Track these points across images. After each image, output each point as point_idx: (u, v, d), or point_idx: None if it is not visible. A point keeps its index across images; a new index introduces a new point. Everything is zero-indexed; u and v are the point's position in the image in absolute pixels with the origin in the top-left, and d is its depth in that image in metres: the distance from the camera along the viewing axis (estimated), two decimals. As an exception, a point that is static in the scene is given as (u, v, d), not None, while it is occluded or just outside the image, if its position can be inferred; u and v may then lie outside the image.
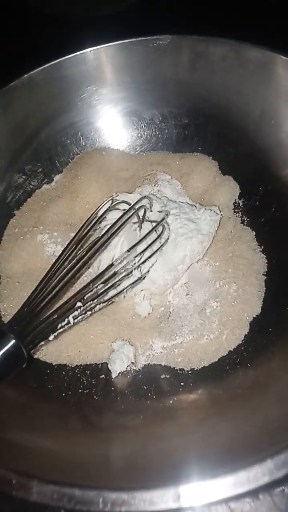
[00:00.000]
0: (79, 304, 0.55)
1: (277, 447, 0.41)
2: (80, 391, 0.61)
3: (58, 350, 0.65)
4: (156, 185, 0.80)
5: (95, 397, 0.61)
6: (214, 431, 0.50)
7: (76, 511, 0.37)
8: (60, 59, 0.75)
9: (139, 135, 0.85)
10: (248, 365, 0.60)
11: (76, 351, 0.65)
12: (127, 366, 0.63)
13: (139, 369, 0.64)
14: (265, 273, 0.69)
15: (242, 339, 0.64)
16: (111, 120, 0.85)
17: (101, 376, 0.63)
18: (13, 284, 0.71)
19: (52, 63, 0.75)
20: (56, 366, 0.64)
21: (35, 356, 0.64)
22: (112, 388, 0.62)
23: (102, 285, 0.59)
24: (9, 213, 0.78)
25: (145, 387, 0.62)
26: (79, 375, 0.64)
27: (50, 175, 0.82)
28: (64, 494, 0.37)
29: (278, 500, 0.47)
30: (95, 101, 0.82)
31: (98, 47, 0.75)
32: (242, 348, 0.63)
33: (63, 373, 0.64)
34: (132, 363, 0.64)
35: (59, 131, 0.82)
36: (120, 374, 0.63)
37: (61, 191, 0.81)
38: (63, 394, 0.61)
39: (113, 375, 0.62)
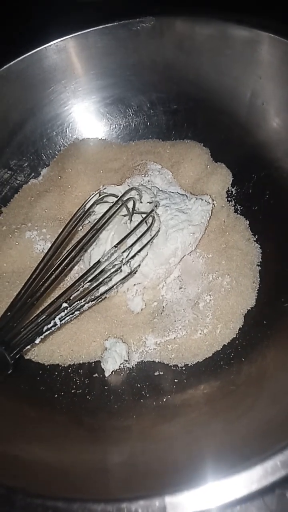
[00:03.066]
0: (65, 304, 0.54)
1: (271, 450, 0.39)
2: (73, 391, 0.60)
3: (50, 350, 0.64)
4: (146, 175, 0.78)
5: (88, 397, 0.60)
6: (206, 432, 0.49)
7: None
8: (40, 48, 0.72)
9: (127, 123, 0.82)
10: (243, 359, 0.59)
11: (68, 350, 0.64)
12: (120, 364, 0.62)
13: (132, 367, 0.63)
14: (259, 264, 0.67)
15: (237, 332, 0.62)
16: (98, 109, 0.82)
17: (94, 375, 0.62)
18: (2, 284, 0.69)
19: (31, 52, 0.72)
20: (48, 367, 0.63)
21: (27, 357, 0.63)
22: (106, 387, 0.61)
23: (89, 283, 0.57)
24: (-4, 211, 0.76)
25: (138, 385, 0.60)
26: (72, 375, 0.62)
27: (37, 169, 0.80)
28: (48, 507, 0.36)
29: (269, 500, 0.46)
30: (80, 89, 0.79)
31: (78, 33, 0.72)
32: (237, 342, 0.61)
33: (56, 373, 0.62)
34: (126, 360, 0.62)
35: (44, 122, 0.79)
36: (113, 373, 0.61)
37: (48, 185, 0.79)
38: (55, 396, 0.59)
39: (106, 374, 0.61)
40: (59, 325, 0.54)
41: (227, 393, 0.55)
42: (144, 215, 0.66)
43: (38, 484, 0.41)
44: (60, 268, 0.56)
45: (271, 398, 0.51)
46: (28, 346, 0.52)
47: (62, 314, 0.54)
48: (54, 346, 0.64)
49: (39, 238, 0.73)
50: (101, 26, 0.72)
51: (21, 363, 0.62)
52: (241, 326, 0.63)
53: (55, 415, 0.57)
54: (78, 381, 0.61)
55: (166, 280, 0.68)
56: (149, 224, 0.65)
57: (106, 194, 0.68)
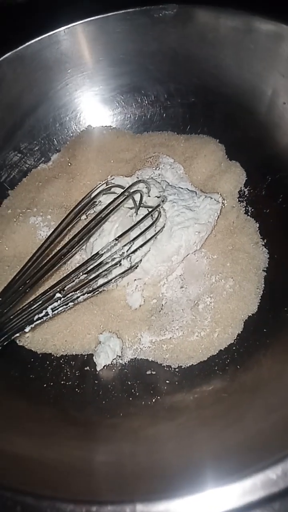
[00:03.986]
0: (58, 295, 0.52)
1: (254, 466, 0.37)
2: (62, 383, 0.59)
3: (44, 339, 0.63)
4: (158, 168, 0.75)
5: (77, 390, 0.59)
6: (193, 439, 0.47)
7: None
8: (58, 30, 0.70)
9: (143, 113, 0.80)
10: (238, 367, 0.57)
11: (62, 341, 0.63)
12: (113, 359, 0.60)
13: (125, 363, 0.61)
14: (265, 269, 0.64)
15: (235, 338, 0.60)
16: (114, 97, 0.80)
17: (86, 368, 0.61)
18: (2, 268, 0.68)
19: (48, 34, 0.70)
20: (40, 355, 0.62)
21: (20, 344, 0.62)
22: (96, 382, 0.60)
23: (85, 275, 0.55)
24: (3, 193, 0.75)
25: (129, 383, 0.59)
26: (63, 365, 0.61)
27: (47, 153, 0.79)
28: (16, 502, 0.35)
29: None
30: (96, 75, 0.77)
31: (97, 16, 0.70)
32: (234, 348, 0.59)
33: (47, 362, 0.62)
34: (119, 356, 0.61)
35: (57, 107, 0.78)
36: (105, 367, 0.60)
37: (57, 172, 0.77)
38: (44, 385, 0.59)
39: (98, 368, 0.60)
40: (50, 315, 0.53)
41: (218, 399, 0.53)
42: (150, 209, 0.64)
43: (13, 477, 0.40)
44: (57, 257, 0.54)
45: (263, 410, 0.48)
46: (17, 334, 0.51)
47: (55, 304, 0.53)
48: (48, 335, 0.63)
49: (43, 224, 0.72)
50: (121, 11, 0.70)
51: (14, 349, 0.61)
52: (239, 332, 0.60)
53: (41, 405, 0.56)
54: (68, 373, 0.60)
55: (167, 277, 0.66)
56: (154, 219, 0.63)
57: (113, 184, 0.67)
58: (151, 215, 0.63)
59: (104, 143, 0.79)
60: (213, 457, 0.43)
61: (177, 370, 0.59)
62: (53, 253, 0.57)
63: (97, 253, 0.57)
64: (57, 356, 0.62)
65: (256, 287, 0.63)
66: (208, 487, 0.36)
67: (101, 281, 0.60)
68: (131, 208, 0.67)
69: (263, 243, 0.67)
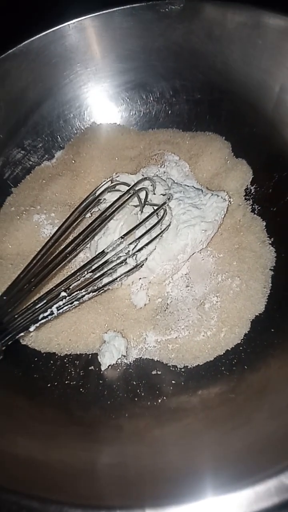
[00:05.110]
0: (63, 293, 0.52)
1: (266, 471, 0.37)
2: (66, 382, 0.58)
3: (47, 338, 0.62)
4: (163, 166, 0.75)
5: (81, 390, 0.58)
6: (200, 442, 0.46)
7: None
8: (63, 25, 0.69)
9: (148, 110, 0.79)
10: (245, 367, 0.56)
11: (66, 340, 0.62)
12: (118, 359, 0.60)
13: (130, 363, 0.61)
14: (272, 268, 0.63)
15: (242, 338, 0.59)
16: (118, 93, 0.79)
17: (90, 368, 0.60)
18: (6, 266, 0.67)
19: (53, 29, 0.69)
20: (44, 354, 0.61)
21: (23, 343, 0.62)
22: (101, 382, 0.59)
23: (90, 273, 0.54)
24: (6, 190, 0.74)
25: (134, 383, 0.58)
26: (67, 365, 0.61)
27: (51, 151, 0.78)
28: (22, 507, 0.34)
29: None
30: (101, 71, 0.76)
31: (103, 12, 0.69)
32: (241, 348, 0.58)
33: (51, 362, 0.61)
34: (124, 356, 0.60)
35: (62, 103, 0.77)
36: (110, 367, 0.60)
37: (61, 169, 0.77)
38: (48, 385, 0.58)
39: (103, 368, 0.59)
40: (55, 314, 0.52)
41: (225, 401, 0.52)
42: (155, 207, 0.63)
43: (18, 480, 0.39)
44: (62, 255, 0.53)
45: (271, 412, 0.48)
46: (22, 334, 0.50)
47: (60, 303, 0.52)
48: (52, 334, 0.62)
49: (47, 222, 0.71)
50: (127, 6, 0.69)
51: (17, 348, 0.60)
52: (246, 332, 0.60)
53: (45, 406, 0.55)
54: (73, 372, 0.60)
55: (173, 276, 0.66)
56: (160, 217, 0.63)
57: (118, 182, 0.66)
58: (157, 213, 0.62)
59: (108, 140, 0.78)
60: (222, 460, 0.42)
61: (183, 370, 0.59)
62: (57, 251, 0.56)
63: (102, 252, 0.56)
64: (61, 355, 0.61)
65: (263, 286, 0.62)
66: (218, 493, 0.36)
67: (106, 279, 0.59)
68: (136, 206, 0.66)
69: (270, 242, 0.66)
